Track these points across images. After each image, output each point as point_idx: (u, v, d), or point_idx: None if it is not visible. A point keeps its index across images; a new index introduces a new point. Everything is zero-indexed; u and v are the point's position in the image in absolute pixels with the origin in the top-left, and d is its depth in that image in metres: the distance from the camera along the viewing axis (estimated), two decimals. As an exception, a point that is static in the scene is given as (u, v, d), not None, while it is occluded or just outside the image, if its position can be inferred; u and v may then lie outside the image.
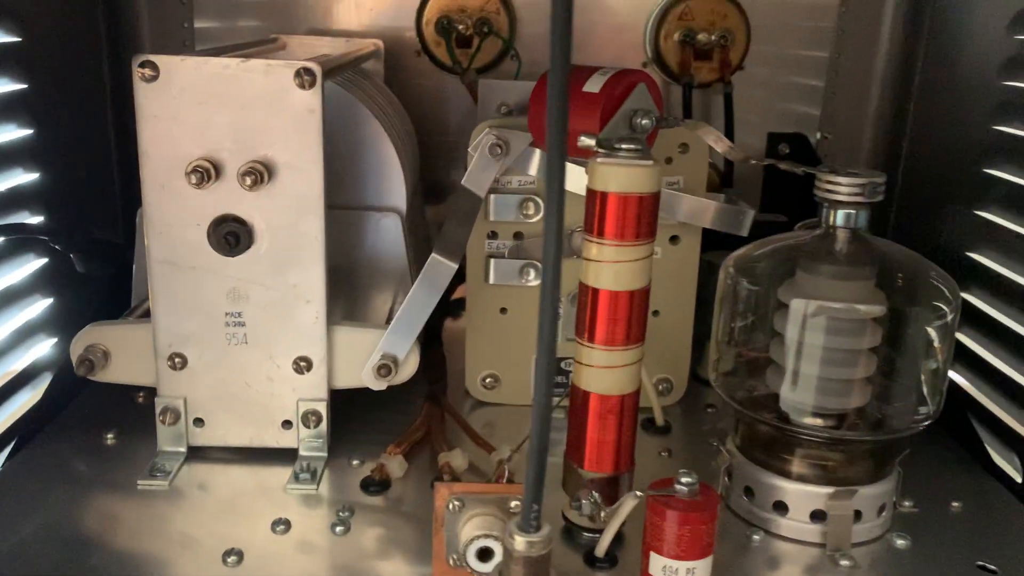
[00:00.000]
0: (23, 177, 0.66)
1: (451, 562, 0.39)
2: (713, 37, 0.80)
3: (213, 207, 0.51)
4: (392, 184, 0.60)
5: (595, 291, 0.45)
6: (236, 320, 0.52)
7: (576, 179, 0.52)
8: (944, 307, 0.48)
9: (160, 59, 0.48)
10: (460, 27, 0.80)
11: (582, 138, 0.44)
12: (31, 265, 0.67)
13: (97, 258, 0.64)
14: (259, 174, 0.49)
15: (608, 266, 0.44)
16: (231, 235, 0.50)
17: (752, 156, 0.53)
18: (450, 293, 0.77)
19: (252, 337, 0.53)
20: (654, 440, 0.59)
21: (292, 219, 0.51)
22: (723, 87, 0.81)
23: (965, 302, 0.66)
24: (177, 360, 0.53)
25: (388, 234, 0.60)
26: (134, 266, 0.62)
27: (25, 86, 0.66)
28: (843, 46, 0.83)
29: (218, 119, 0.49)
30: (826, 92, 0.85)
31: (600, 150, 0.44)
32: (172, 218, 0.51)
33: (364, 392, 0.56)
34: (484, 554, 0.38)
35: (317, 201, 0.51)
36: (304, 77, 0.49)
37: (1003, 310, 0.62)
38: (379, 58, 0.77)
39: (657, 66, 0.82)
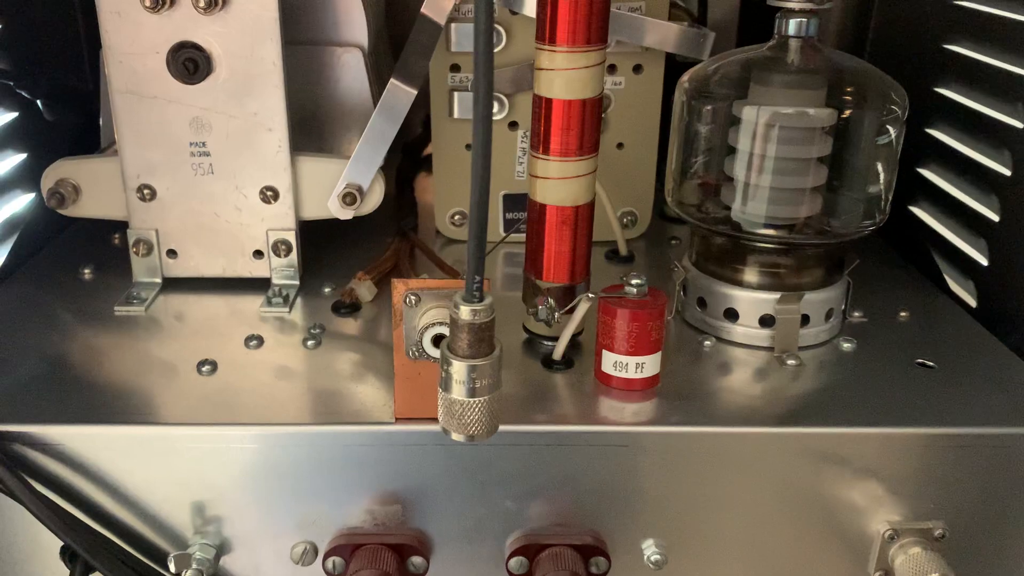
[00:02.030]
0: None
1: (410, 354, 0.41)
2: None
3: (171, 33, 0.51)
4: (353, 19, 0.60)
5: (548, 101, 0.45)
6: (201, 150, 0.53)
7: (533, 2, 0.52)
8: (895, 109, 0.49)
9: None
10: None
11: (531, -58, 0.44)
12: (1, 119, 0.67)
13: (64, 104, 0.64)
14: (213, -3, 0.49)
15: (560, 74, 0.45)
16: (189, 61, 0.51)
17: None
18: (422, 149, 0.78)
19: (218, 167, 0.54)
20: (618, 268, 0.61)
21: (249, 45, 0.51)
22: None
23: (931, 137, 0.67)
24: (146, 191, 0.54)
25: (350, 70, 0.60)
26: (100, 110, 0.62)
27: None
28: None
29: (167, -62, 0.49)
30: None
31: (549, -46, 0.44)
32: (131, 46, 0.51)
33: (338, 230, 0.57)
34: (438, 340, 0.40)
35: (272, 26, 0.51)
36: None
37: (967, 143, 0.63)
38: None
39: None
